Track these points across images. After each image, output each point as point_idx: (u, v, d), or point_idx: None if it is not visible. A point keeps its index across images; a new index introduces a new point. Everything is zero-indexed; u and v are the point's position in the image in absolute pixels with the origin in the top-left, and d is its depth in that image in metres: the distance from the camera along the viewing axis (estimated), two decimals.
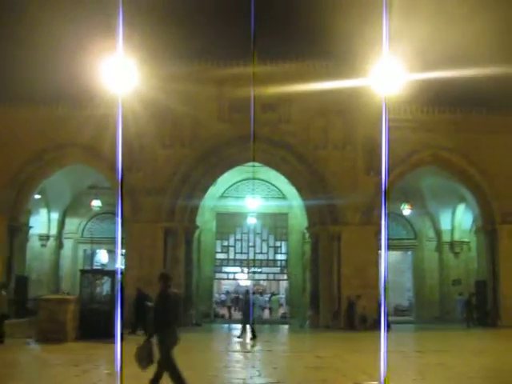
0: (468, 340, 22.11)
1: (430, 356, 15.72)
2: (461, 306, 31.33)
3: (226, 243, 33.85)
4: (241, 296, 33.85)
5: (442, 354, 16.11)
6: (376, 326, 24.82)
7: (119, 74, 11.92)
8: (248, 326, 21.61)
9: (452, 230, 35.01)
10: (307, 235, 29.69)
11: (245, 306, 22.51)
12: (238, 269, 35.63)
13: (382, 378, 10.67)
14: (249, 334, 21.19)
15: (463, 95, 29.61)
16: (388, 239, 27.69)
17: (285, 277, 34.95)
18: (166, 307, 8.47)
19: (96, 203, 31.69)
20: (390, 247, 34.23)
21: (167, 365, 8.42)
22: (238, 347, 19.29)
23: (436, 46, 27.97)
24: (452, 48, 29.04)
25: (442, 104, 28.38)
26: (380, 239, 26.69)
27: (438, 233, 35.34)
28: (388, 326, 25.46)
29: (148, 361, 8.36)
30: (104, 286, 21.28)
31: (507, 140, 28.23)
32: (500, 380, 11.32)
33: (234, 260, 34.14)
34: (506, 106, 28.82)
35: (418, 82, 21.72)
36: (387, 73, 11.59)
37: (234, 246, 33.89)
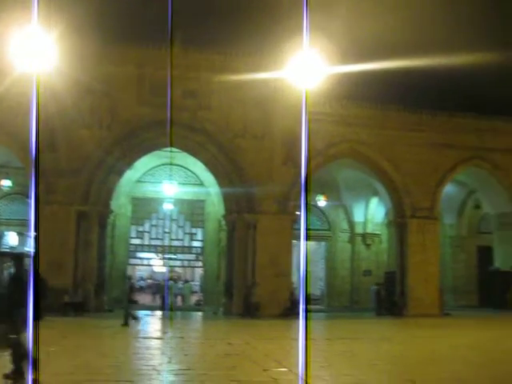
0: (376, 328, 22.85)
1: (339, 343, 16.13)
2: (375, 295, 32.41)
3: (141, 229, 33.34)
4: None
5: (350, 341, 16.57)
6: (289, 313, 25.34)
7: (35, 52, 11.39)
8: (129, 312, 20.78)
9: (365, 223, 36.13)
10: (224, 223, 29.72)
11: (128, 292, 21.74)
12: (153, 255, 35.25)
13: (302, 366, 10.86)
14: (128, 320, 20.41)
15: (383, 91, 30.52)
16: (302, 229, 28.17)
17: (200, 264, 34.91)
18: (18, 288, 8.45)
19: (6, 183, 30.40)
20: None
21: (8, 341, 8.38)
22: (149, 334, 19.10)
23: (358, 41, 28.58)
24: (374, 43, 29.78)
25: (362, 99, 29.11)
26: (295, 229, 27.19)
27: (351, 224, 36.35)
28: (298, 314, 25.94)
29: (5, 341, 8.30)
30: (11, 270, 20.44)
31: (421, 138, 29.34)
32: (403, 366, 11.75)
33: (149, 246, 33.75)
34: (422, 104, 29.97)
35: (339, 75, 22.10)
36: (308, 66, 11.68)
37: (150, 232, 33.46)
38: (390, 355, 13.56)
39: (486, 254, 35.69)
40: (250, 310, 25.63)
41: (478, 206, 37.43)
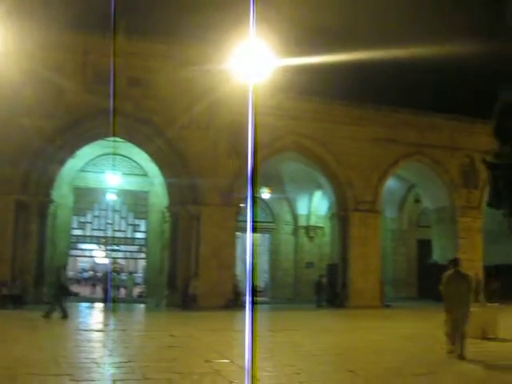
0: (318, 320, 23.13)
1: (281, 335, 16.27)
2: (317, 287, 32.83)
3: (83, 219, 32.70)
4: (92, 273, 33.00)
5: (292, 332, 16.73)
6: (232, 305, 25.49)
7: None
8: (59, 305, 19.93)
9: (308, 215, 36.55)
10: (167, 214, 29.47)
11: (55, 284, 20.74)
12: (95, 246, 34.67)
13: (244, 357, 10.89)
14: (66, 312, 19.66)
15: (329, 85, 30.86)
16: (249, 222, 28.33)
17: (143, 255, 34.57)
18: None
19: None
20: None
21: None
22: (90, 326, 18.79)
23: (306, 34, 28.75)
24: (321, 37, 30.02)
25: (308, 93, 29.35)
26: (239, 221, 27.28)
27: (295, 217, 36.71)
28: (241, 306, 26.10)
29: None
30: None
31: (364, 132, 29.84)
32: (344, 357, 11.96)
33: (91, 237, 33.20)
34: (367, 98, 30.49)
35: (285, 68, 22.20)
36: (254, 58, 11.68)
37: (92, 223, 32.87)
38: (331, 346, 13.78)
39: (425, 247, 36.66)
40: (187, 302, 25.56)
41: (418, 201, 38.41)
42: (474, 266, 32.37)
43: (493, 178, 12.45)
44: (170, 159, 26.82)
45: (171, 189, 27.67)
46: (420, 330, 12.99)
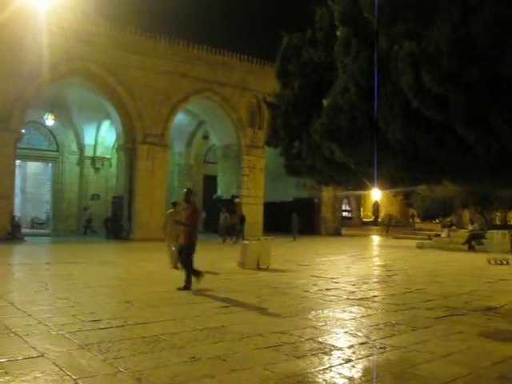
0: (100, 253, 22.86)
1: (58, 268, 15.78)
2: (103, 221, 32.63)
3: None
4: None
5: (70, 265, 16.31)
6: (9, 238, 24.26)
7: None
8: None
9: (95, 146, 35.55)
10: None
11: None
12: None
13: (19, 292, 10.31)
14: None
15: (125, 11, 29.76)
16: (28, 149, 26.76)
17: None
18: None
19: None
20: (29, 158, 33.11)
21: None
22: None
23: None
24: None
25: (101, 16, 28.12)
26: (19, 148, 25.62)
27: (81, 147, 35.50)
28: (19, 239, 24.98)
29: None
30: None
31: (155, 64, 29.40)
32: (120, 288, 11.94)
33: None
34: (163, 29, 30.01)
35: None
36: None
37: None
38: (109, 278, 13.69)
39: (210, 182, 37.91)
40: None
41: (206, 137, 39.35)
42: (256, 201, 34.29)
43: (272, 118, 13.05)
44: None
45: None
46: (199, 260, 13.44)
